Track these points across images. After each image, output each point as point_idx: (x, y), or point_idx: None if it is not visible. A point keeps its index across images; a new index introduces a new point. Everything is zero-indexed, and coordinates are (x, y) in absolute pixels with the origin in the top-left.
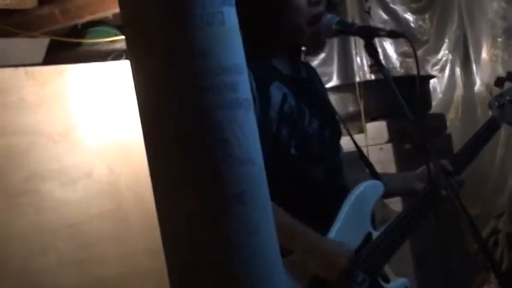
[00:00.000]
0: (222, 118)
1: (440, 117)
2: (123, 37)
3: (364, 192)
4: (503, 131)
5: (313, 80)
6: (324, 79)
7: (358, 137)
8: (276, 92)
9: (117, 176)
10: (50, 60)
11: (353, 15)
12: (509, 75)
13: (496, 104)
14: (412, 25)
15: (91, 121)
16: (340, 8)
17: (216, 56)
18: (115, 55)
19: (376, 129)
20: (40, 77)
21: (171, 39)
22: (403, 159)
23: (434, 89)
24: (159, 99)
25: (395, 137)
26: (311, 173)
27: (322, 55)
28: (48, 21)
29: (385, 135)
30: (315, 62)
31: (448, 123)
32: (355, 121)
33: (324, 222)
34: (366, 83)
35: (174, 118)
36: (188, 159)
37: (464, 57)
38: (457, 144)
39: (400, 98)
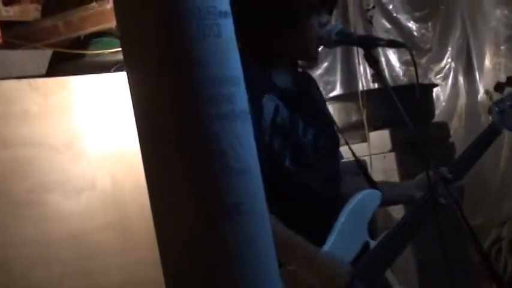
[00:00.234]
0: (219, 129)
1: (444, 126)
2: None
3: (361, 202)
4: (506, 136)
5: (311, 90)
6: (327, 88)
7: (361, 146)
8: (268, 104)
9: (121, 186)
10: (53, 72)
11: (355, 25)
12: (509, 81)
13: (497, 109)
14: (415, 34)
15: (95, 132)
16: (343, 18)
17: (212, 67)
18: (118, 66)
19: (379, 138)
20: (43, 88)
21: (168, 51)
22: (406, 168)
23: (438, 97)
24: (156, 110)
25: (399, 145)
26: (306, 183)
27: (325, 64)
28: (51, 33)
29: (388, 144)
30: (318, 71)
31: (451, 132)
32: (358, 130)
33: (320, 232)
34: (368, 92)
35: (171, 129)
36: (185, 170)
37: (467, 66)
38: (461, 152)
39: (400, 107)
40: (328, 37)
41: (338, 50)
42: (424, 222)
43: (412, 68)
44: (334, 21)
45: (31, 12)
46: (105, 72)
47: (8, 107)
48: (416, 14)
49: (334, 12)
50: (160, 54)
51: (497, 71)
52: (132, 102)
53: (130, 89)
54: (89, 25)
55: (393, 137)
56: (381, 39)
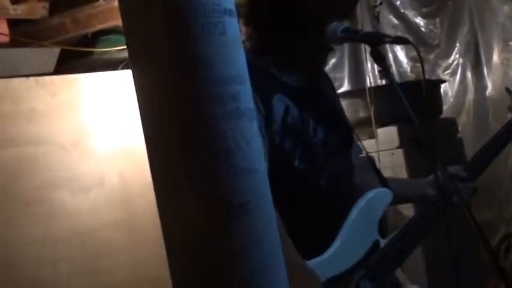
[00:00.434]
0: (225, 128)
1: (452, 122)
2: None
3: (372, 200)
4: None
5: (323, 86)
6: (334, 85)
7: (369, 143)
8: (278, 104)
9: (129, 184)
10: (61, 70)
11: (362, 21)
12: None
13: None
14: (423, 29)
15: (102, 130)
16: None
17: (217, 65)
18: (125, 63)
19: (387, 135)
20: (51, 86)
21: (173, 49)
22: (414, 164)
23: (446, 93)
24: (161, 109)
25: (406, 142)
26: (315, 183)
27: (333, 60)
28: (58, 30)
29: (396, 141)
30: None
31: (459, 128)
32: (366, 126)
33: (330, 230)
34: (376, 89)
35: (177, 128)
36: (191, 169)
37: (476, 61)
38: (469, 148)
39: (406, 104)
40: (334, 34)
41: (345, 47)
42: (435, 221)
43: (420, 64)
44: None
45: (39, 10)
46: (113, 69)
47: (16, 105)
48: (424, 9)
49: None
50: (165, 53)
51: (506, 66)
52: (138, 100)
53: (135, 87)
54: (96, 22)
55: (401, 134)
56: (387, 36)
